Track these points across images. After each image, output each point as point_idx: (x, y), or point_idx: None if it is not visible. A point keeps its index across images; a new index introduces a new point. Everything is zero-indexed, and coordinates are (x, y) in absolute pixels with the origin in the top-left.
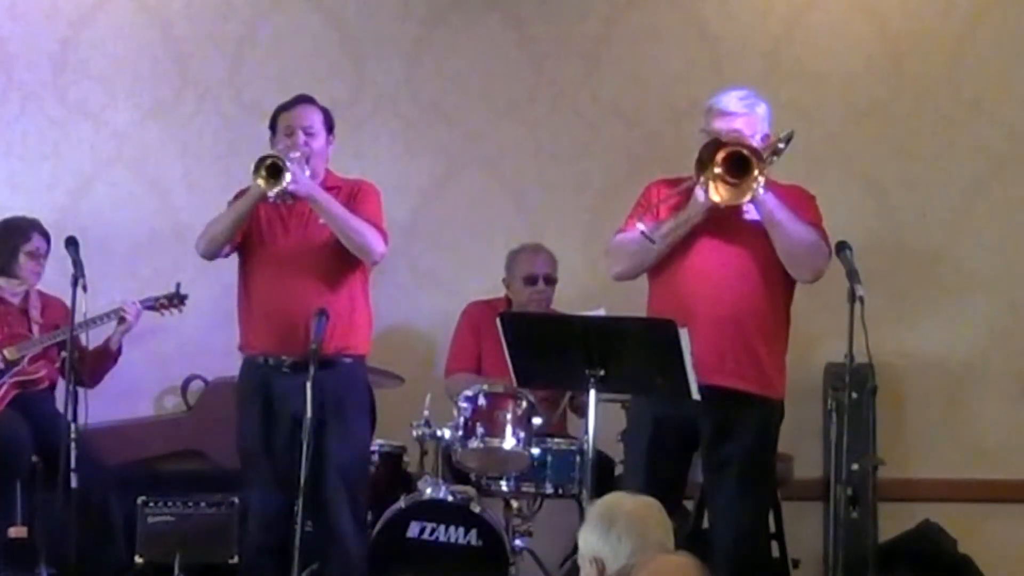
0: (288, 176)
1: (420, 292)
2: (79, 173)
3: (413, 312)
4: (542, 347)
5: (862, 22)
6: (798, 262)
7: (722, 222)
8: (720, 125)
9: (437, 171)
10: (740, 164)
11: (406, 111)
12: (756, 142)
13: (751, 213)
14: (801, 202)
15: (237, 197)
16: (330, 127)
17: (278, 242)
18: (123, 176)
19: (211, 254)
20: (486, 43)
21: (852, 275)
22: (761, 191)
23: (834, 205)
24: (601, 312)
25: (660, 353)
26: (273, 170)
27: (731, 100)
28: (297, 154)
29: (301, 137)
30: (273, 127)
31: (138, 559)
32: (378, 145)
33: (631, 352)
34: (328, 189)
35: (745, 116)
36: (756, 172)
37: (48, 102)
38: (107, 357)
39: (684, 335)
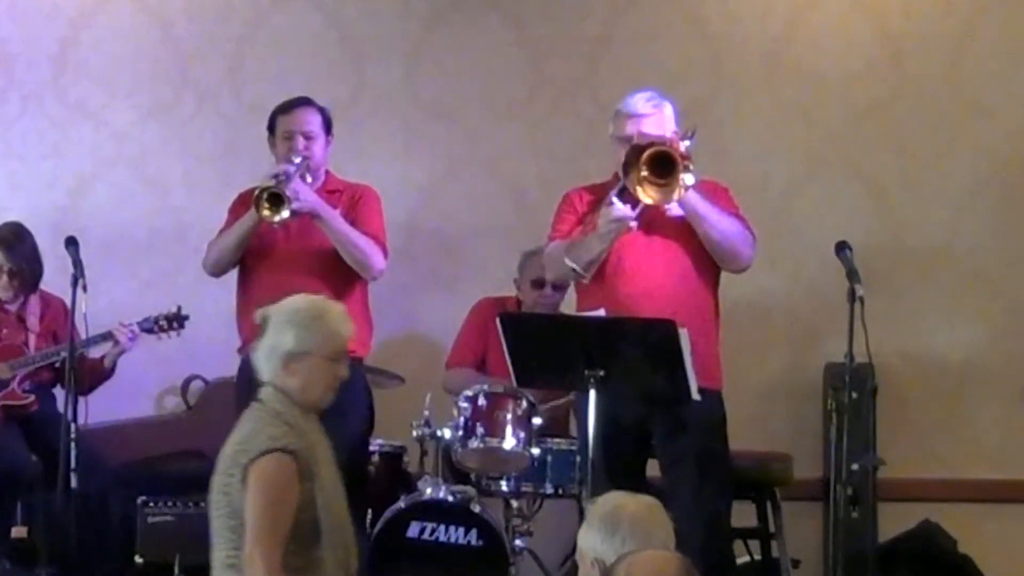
0: (287, 209)
1: (420, 291)
2: (79, 173)
3: (413, 311)
4: (542, 347)
5: (862, 22)
6: (726, 253)
7: (648, 220)
8: (631, 128)
9: (437, 170)
10: (665, 164)
11: (406, 111)
12: (667, 137)
13: (674, 210)
14: (718, 194)
15: (238, 201)
16: (328, 127)
17: (279, 245)
18: (123, 176)
19: (220, 273)
20: (486, 43)
21: (852, 275)
22: (691, 183)
23: (834, 205)
24: (600, 312)
25: (660, 353)
26: (274, 199)
27: (639, 102)
28: (298, 160)
29: (301, 142)
30: (271, 129)
31: (138, 559)
32: (378, 145)
33: (631, 352)
34: (329, 192)
35: (653, 116)
36: (681, 170)
37: (48, 102)
38: (99, 372)
39: (684, 335)
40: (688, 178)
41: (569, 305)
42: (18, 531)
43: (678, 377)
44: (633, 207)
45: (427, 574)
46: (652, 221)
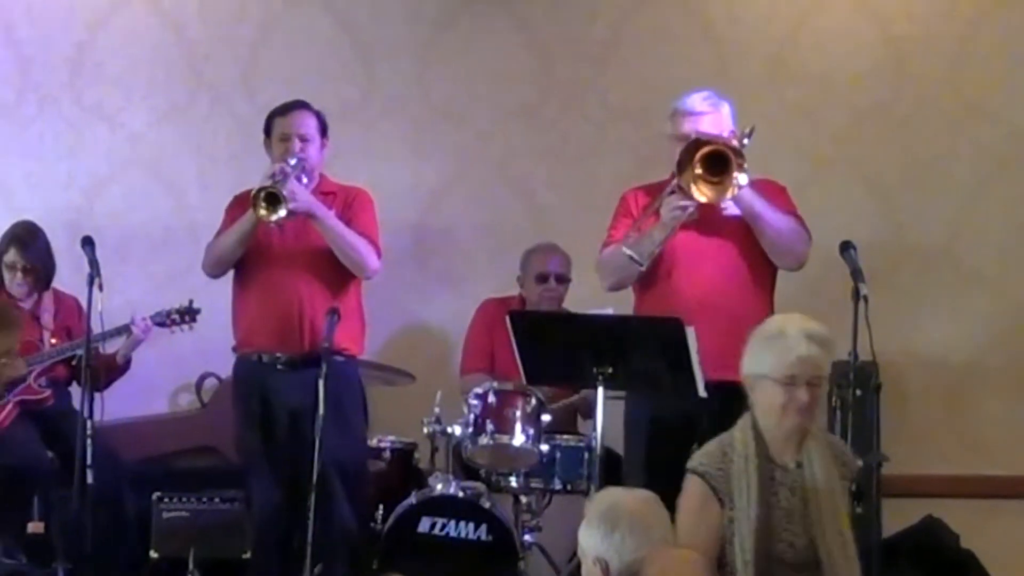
0: (284, 209)
1: (430, 291)
2: (95, 174)
3: (423, 311)
4: (551, 345)
5: (865, 25)
6: (782, 250)
7: (703, 220)
8: (688, 127)
9: (447, 172)
10: (719, 162)
11: (416, 113)
12: (725, 136)
13: (730, 209)
14: (775, 193)
15: (234, 203)
16: (324, 131)
17: (274, 244)
18: (138, 177)
19: (219, 274)
20: (495, 46)
21: (856, 274)
22: (745, 183)
23: (838, 205)
24: (609, 311)
25: (667, 351)
26: (271, 199)
27: (696, 101)
28: (294, 161)
29: (296, 144)
30: (267, 131)
31: (153, 554)
32: (388, 146)
33: (639, 350)
34: (323, 194)
35: (711, 115)
36: (735, 168)
37: (64, 104)
38: (114, 368)
39: (691, 333)
40: (742, 177)
41: (575, 302)
42: (35, 526)
43: (685, 374)
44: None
45: (438, 568)
46: (708, 221)
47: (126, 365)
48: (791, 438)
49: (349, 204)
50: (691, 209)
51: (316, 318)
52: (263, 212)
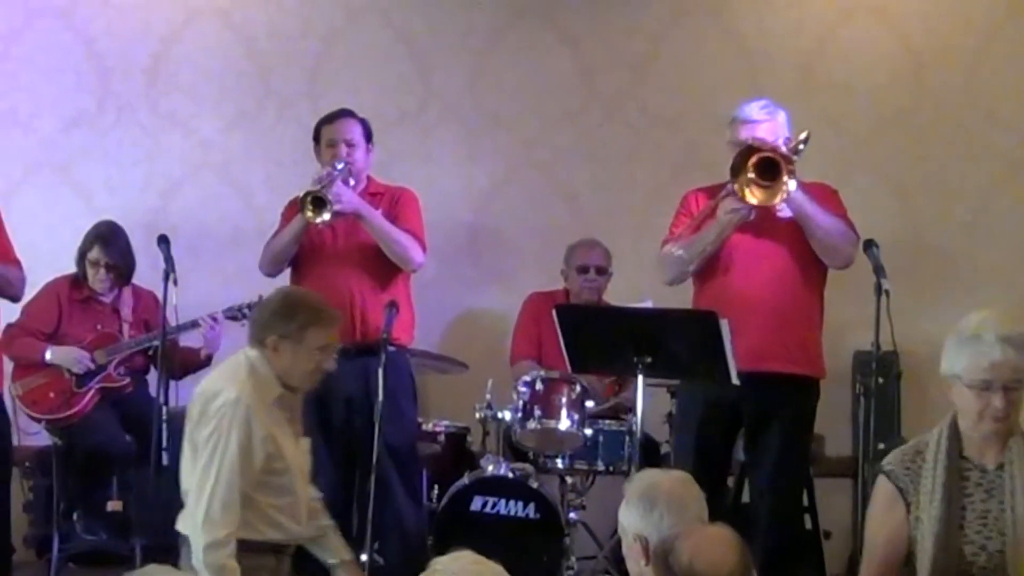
0: (329, 211)
1: (482, 285)
2: (170, 177)
3: (476, 303)
4: (594, 336)
5: (887, 38)
6: (830, 250)
7: (758, 222)
8: (746, 134)
9: (497, 174)
10: (770, 167)
11: (469, 120)
12: (779, 143)
13: (784, 211)
14: (827, 197)
15: (288, 206)
16: (369, 137)
17: (327, 243)
18: (210, 180)
19: (275, 272)
20: (542, 57)
21: (878, 270)
22: (794, 188)
23: (862, 206)
24: (648, 304)
25: (702, 341)
26: (317, 202)
27: (753, 110)
28: (341, 165)
29: (343, 149)
30: (316, 139)
31: None
32: (443, 151)
33: (676, 341)
34: (371, 195)
35: (768, 123)
36: (785, 173)
37: (141, 112)
38: (194, 362)
39: (724, 325)
40: (791, 183)
41: (616, 296)
42: (114, 504)
43: (719, 363)
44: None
45: (489, 545)
46: (763, 223)
47: (208, 360)
48: (990, 441)
49: (395, 203)
50: (744, 211)
51: (367, 310)
52: (310, 214)
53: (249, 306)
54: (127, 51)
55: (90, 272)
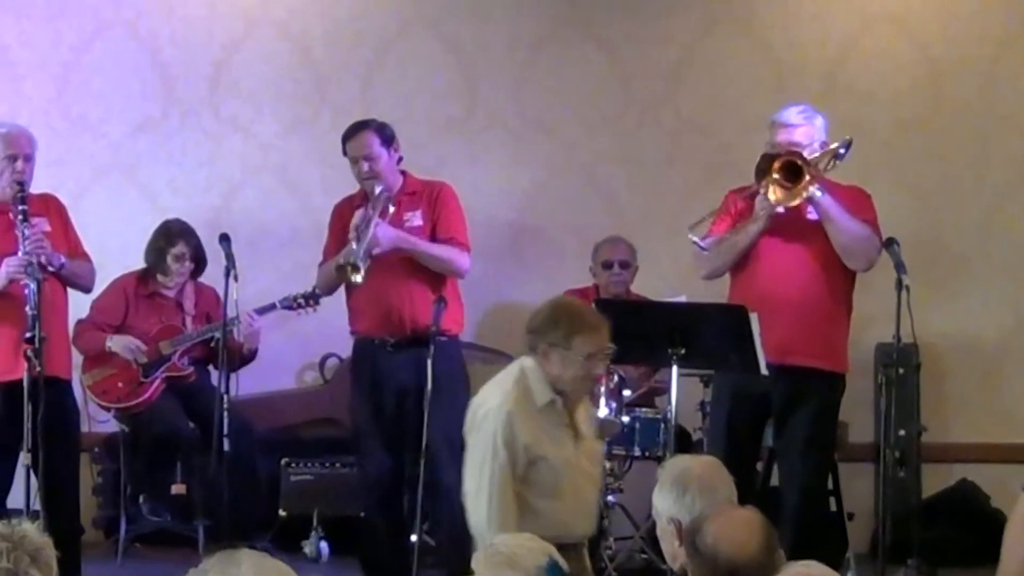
0: (359, 277)
1: (525, 280)
2: (230, 179)
3: (519, 298)
4: (632, 329)
5: (907, 48)
6: (851, 254)
7: (787, 224)
8: (782, 137)
9: (540, 177)
10: (794, 171)
11: (513, 125)
12: (815, 148)
13: (812, 214)
14: (859, 200)
15: (335, 217)
16: (388, 141)
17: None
18: (269, 181)
19: (328, 295)
20: (582, 66)
21: (899, 267)
22: (817, 193)
23: (883, 206)
24: (682, 299)
25: (733, 334)
26: (353, 269)
27: (791, 114)
28: (379, 189)
29: (365, 165)
30: (344, 153)
31: (281, 512)
32: (489, 154)
33: (708, 333)
34: (408, 195)
35: (804, 127)
36: (807, 176)
37: (204, 117)
38: (241, 356)
39: (754, 319)
40: (814, 189)
41: (652, 291)
42: (178, 488)
43: (749, 355)
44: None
45: None
46: (792, 225)
47: (251, 355)
48: None
49: (434, 203)
50: (778, 207)
51: (416, 307)
52: (350, 278)
53: (304, 296)
54: (190, 60)
55: (173, 266)
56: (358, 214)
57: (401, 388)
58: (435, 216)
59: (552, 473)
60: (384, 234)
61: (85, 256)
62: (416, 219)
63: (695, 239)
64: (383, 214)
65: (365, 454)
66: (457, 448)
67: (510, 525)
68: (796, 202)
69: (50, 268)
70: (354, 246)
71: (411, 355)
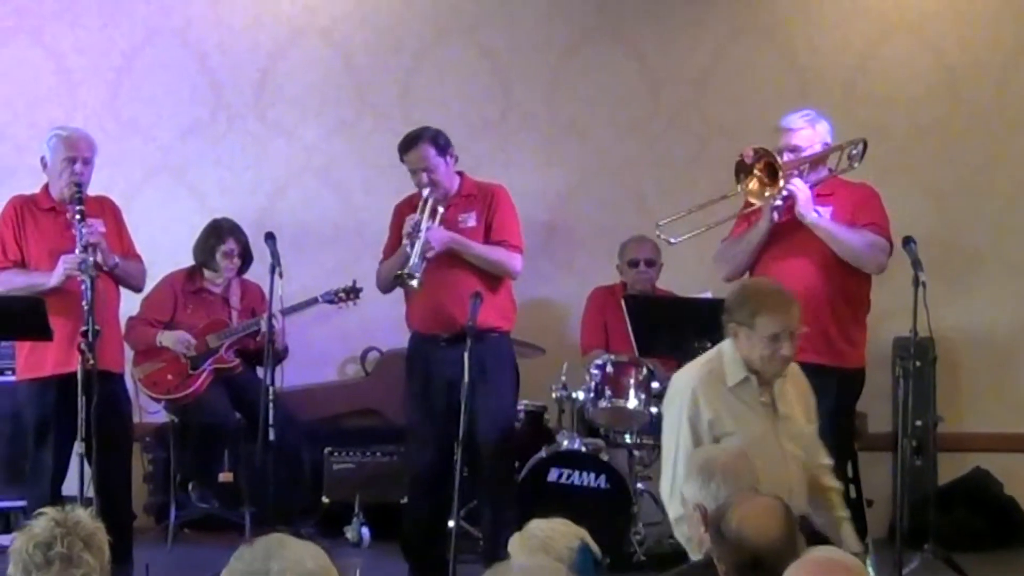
0: (416, 283)
1: (558, 278)
2: (275, 180)
3: (552, 294)
4: (660, 324)
5: (924, 55)
6: (859, 261)
7: (790, 231)
8: (785, 140)
9: (572, 179)
10: (772, 171)
11: (546, 128)
12: (816, 149)
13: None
14: (867, 201)
15: (395, 214)
16: (444, 149)
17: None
18: (312, 182)
19: (387, 292)
20: (612, 72)
21: (916, 264)
22: (812, 218)
23: (901, 206)
24: (708, 295)
25: None
26: (409, 277)
27: (794, 119)
28: (428, 191)
29: (424, 177)
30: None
31: (324, 499)
32: (523, 157)
33: None
34: (464, 197)
35: (805, 130)
36: (779, 181)
37: (250, 121)
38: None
39: None
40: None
41: (679, 288)
42: (225, 476)
43: None
44: (783, 201)
45: (564, 512)
46: (794, 232)
47: (283, 352)
48: None
49: (489, 205)
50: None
51: (466, 303)
52: (408, 285)
53: (345, 290)
54: (237, 66)
55: (222, 262)
56: (408, 221)
57: (451, 381)
58: (489, 218)
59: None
60: (436, 237)
61: (137, 257)
62: (470, 220)
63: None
64: (432, 217)
65: (413, 443)
66: (503, 438)
67: (695, 500)
68: (764, 201)
69: (104, 267)
70: (408, 251)
71: (461, 350)
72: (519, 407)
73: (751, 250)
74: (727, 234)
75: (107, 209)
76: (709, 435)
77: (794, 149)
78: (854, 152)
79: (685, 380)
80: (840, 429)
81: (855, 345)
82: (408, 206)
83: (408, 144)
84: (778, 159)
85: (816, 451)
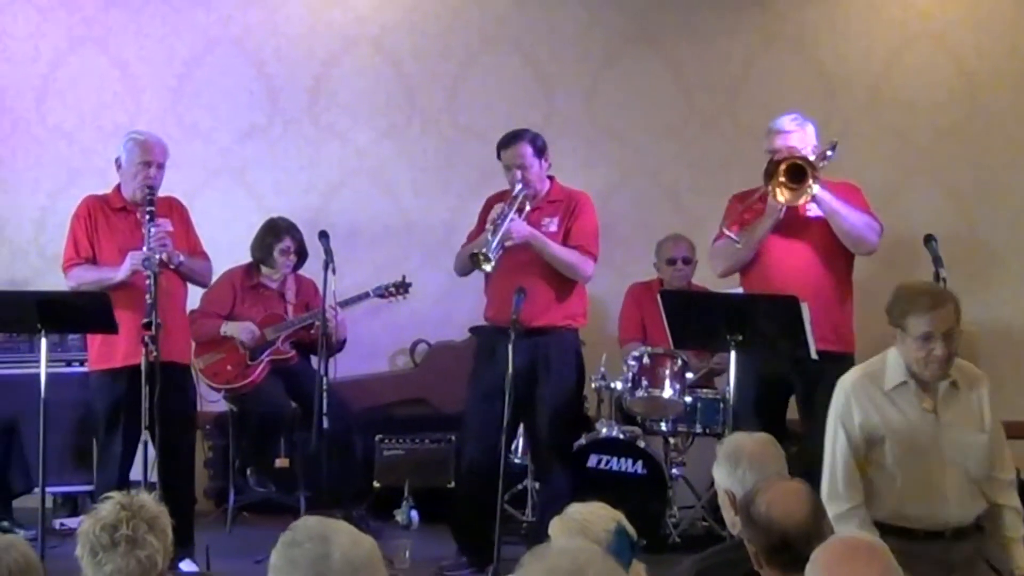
0: (489, 267)
1: (598, 274)
2: (329, 181)
3: (592, 290)
4: (694, 318)
5: (945, 62)
6: (856, 241)
7: (789, 222)
8: (780, 142)
9: (611, 179)
10: (797, 172)
11: (586, 132)
12: (808, 151)
13: (812, 211)
14: (851, 193)
15: (484, 208)
16: (541, 151)
17: (511, 251)
18: (364, 184)
19: (464, 275)
20: (649, 79)
21: (937, 261)
22: (817, 190)
23: (923, 206)
24: (739, 290)
25: (786, 322)
26: (484, 258)
27: (785, 122)
28: (520, 187)
29: (518, 174)
30: (499, 157)
31: (376, 484)
32: (564, 158)
33: (763, 321)
34: (550, 202)
35: (798, 132)
36: (811, 178)
37: (305, 125)
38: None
39: (804, 308)
40: (815, 187)
41: (711, 283)
42: (281, 462)
43: (800, 340)
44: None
45: (603, 496)
46: (792, 224)
47: (341, 344)
48: None
49: (571, 211)
50: (782, 208)
51: (535, 300)
52: (481, 266)
53: (395, 285)
54: (293, 73)
55: (279, 259)
56: (496, 208)
57: (516, 371)
58: (570, 224)
59: (892, 454)
60: (517, 228)
61: (204, 255)
62: (552, 225)
63: (730, 235)
64: (519, 211)
65: (468, 429)
66: (560, 427)
67: (848, 498)
68: (803, 200)
69: (171, 265)
70: (488, 237)
71: (528, 342)
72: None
73: (753, 246)
74: (716, 234)
75: (175, 209)
76: (861, 436)
77: (789, 150)
78: (829, 153)
79: (843, 382)
80: None
81: (851, 331)
82: (498, 198)
83: (508, 141)
84: (810, 161)
85: (988, 462)
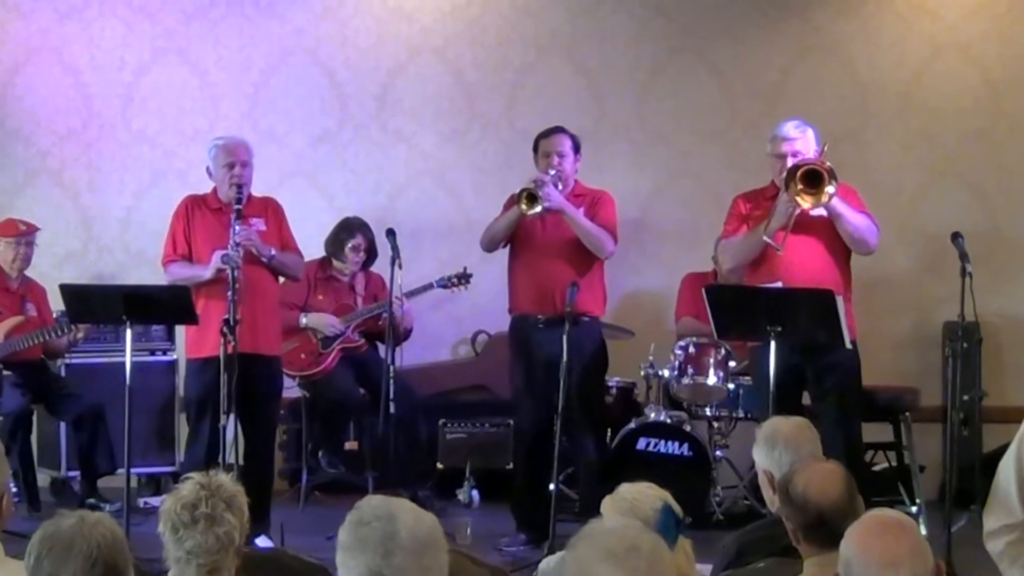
0: (540, 206)
1: (647, 269)
2: (396, 182)
3: (642, 284)
4: (736, 310)
5: (971, 71)
6: (858, 242)
7: (796, 221)
8: (786, 148)
9: (659, 181)
10: (814, 177)
11: (636, 136)
12: (811, 154)
13: (816, 210)
14: (850, 194)
15: (508, 202)
16: (577, 148)
17: (537, 234)
18: (428, 184)
19: (491, 250)
20: (695, 86)
21: (963, 257)
22: (833, 194)
23: (950, 205)
24: (779, 284)
25: (822, 314)
26: (531, 198)
27: (789, 128)
28: (552, 172)
29: (555, 160)
30: (535, 149)
31: (439, 465)
32: (615, 161)
33: (800, 313)
34: (575, 196)
35: (801, 138)
36: (827, 182)
37: (373, 130)
38: (397, 335)
39: (840, 301)
40: (831, 188)
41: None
42: (350, 444)
43: (835, 331)
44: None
45: (651, 477)
46: (798, 222)
47: (408, 333)
48: None
49: (594, 203)
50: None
51: (565, 289)
52: (524, 207)
53: (457, 276)
54: (361, 82)
55: (350, 255)
56: (536, 175)
57: (549, 359)
58: (592, 214)
59: None
60: (553, 195)
61: (296, 251)
62: None
63: (768, 240)
64: (554, 184)
65: (518, 414)
66: (590, 412)
67: (1008, 518)
68: (824, 202)
69: (262, 259)
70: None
71: (558, 332)
72: (612, 383)
73: (762, 246)
74: (724, 231)
75: (270, 208)
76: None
77: (795, 154)
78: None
79: None
80: (855, 397)
81: (853, 321)
82: (511, 203)
83: (551, 131)
84: (829, 167)
85: None
